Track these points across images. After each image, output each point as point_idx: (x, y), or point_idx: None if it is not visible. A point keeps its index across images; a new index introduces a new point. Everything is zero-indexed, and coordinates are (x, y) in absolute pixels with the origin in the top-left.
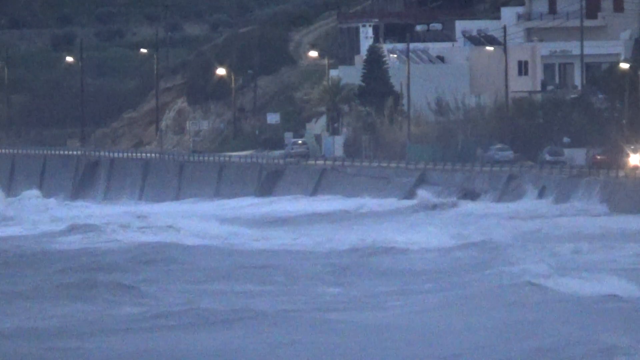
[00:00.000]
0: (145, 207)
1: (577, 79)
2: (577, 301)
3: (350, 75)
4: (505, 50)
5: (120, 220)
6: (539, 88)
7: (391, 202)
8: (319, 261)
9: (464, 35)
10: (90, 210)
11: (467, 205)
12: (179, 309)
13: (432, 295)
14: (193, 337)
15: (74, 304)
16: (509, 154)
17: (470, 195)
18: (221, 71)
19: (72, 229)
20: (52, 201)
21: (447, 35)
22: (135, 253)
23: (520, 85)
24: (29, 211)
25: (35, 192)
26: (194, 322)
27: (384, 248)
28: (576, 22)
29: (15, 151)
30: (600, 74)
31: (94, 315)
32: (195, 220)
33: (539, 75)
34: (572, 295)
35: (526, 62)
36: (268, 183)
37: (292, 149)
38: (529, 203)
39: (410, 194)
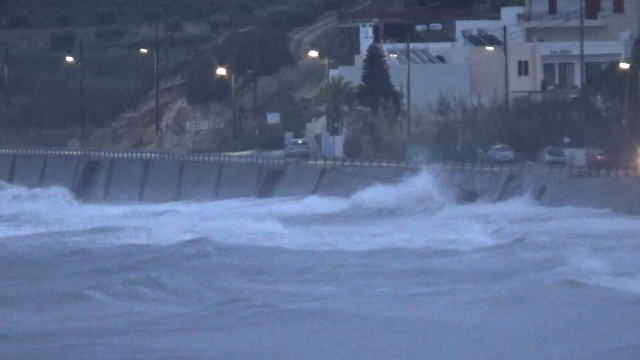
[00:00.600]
0: (159, 207)
1: (577, 79)
2: (631, 302)
3: (350, 75)
4: (505, 50)
5: (138, 219)
6: (539, 88)
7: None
8: (368, 261)
9: (464, 35)
10: (105, 210)
11: (466, 206)
12: (219, 309)
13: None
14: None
15: (118, 303)
16: (509, 154)
17: (470, 195)
18: (221, 71)
19: (100, 229)
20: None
21: (447, 35)
22: (170, 252)
23: (520, 85)
24: (53, 210)
25: (62, 189)
26: (232, 322)
27: (425, 248)
28: (576, 22)
29: (15, 151)
30: (600, 74)
31: (140, 314)
32: (223, 219)
33: (539, 75)
34: (627, 296)
35: (526, 62)
36: (268, 183)
37: (292, 149)
38: (528, 203)
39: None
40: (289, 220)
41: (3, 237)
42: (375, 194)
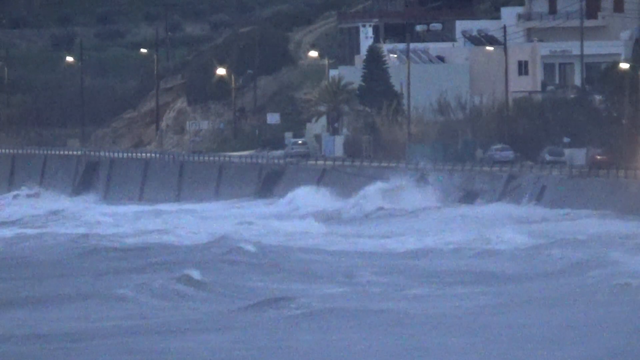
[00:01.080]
0: (160, 207)
1: (577, 79)
2: None
3: (351, 75)
4: (505, 50)
5: (145, 220)
6: (539, 88)
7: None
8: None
9: (464, 35)
10: (115, 210)
11: (465, 207)
12: (259, 308)
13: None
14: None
15: (161, 302)
16: (509, 154)
17: (470, 195)
18: (221, 71)
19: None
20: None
21: (447, 35)
22: (199, 251)
23: (520, 85)
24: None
25: (93, 197)
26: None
27: (467, 249)
28: (576, 22)
29: (15, 151)
30: (600, 74)
31: (178, 313)
32: (236, 219)
33: (539, 75)
34: None
35: (526, 62)
36: (268, 183)
37: (292, 149)
38: (528, 204)
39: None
40: (300, 219)
41: (31, 236)
42: (375, 194)
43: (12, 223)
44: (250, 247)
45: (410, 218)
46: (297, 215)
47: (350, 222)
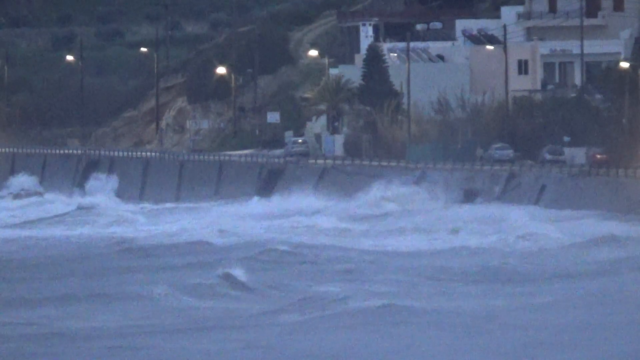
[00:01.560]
0: (161, 206)
1: (577, 78)
2: None
3: (351, 74)
4: (505, 50)
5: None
6: (539, 87)
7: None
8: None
9: (464, 35)
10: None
11: (466, 206)
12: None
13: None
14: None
15: (200, 301)
16: (509, 153)
17: (471, 194)
18: (221, 70)
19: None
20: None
21: (447, 35)
22: (233, 251)
23: (520, 85)
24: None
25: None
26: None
27: (488, 248)
28: (576, 21)
29: (16, 150)
30: (600, 73)
31: (214, 311)
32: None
33: (539, 74)
34: None
35: (526, 61)
36: (268, 182)
37: (292, 148)
38: (530, 203)
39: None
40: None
41: (60, 236)
42: (375, 194)
43: (17, 225)
44: (284, 247)
45: (411, 217)
46: (297, 215)
47: (351, 221)
